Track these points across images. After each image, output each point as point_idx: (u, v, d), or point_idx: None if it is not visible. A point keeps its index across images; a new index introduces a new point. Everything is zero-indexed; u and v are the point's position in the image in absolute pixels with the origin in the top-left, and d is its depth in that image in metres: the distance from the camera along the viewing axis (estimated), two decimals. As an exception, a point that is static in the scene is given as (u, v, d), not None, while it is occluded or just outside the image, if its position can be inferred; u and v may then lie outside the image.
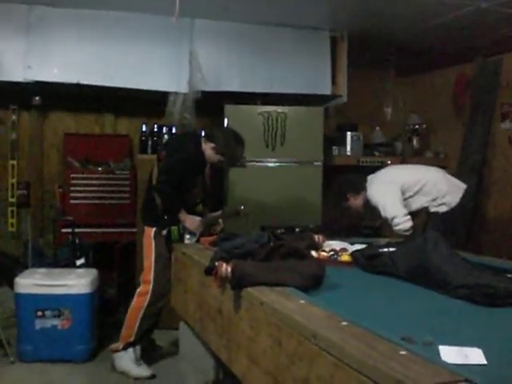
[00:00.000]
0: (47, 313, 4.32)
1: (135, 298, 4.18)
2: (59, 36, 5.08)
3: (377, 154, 6.32)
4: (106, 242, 5.48)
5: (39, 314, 4.31)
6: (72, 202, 5.48)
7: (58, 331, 4.34)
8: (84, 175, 5.56)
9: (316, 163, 5.57)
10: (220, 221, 4.42)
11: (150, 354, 4.42)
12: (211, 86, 5.39)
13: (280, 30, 5.57)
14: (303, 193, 5.53)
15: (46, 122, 5.99)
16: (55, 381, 4.11)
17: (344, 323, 1.91)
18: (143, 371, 4.15)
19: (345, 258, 3.32)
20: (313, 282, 2.52)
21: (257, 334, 2.28)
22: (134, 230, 5.12)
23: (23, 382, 4.10)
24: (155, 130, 5.58)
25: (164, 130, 5.54)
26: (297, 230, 4.51)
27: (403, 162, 6.05)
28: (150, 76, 5.26)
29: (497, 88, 5.82)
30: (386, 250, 3.08)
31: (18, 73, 5.00)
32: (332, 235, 3.97)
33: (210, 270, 2.74)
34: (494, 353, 1.66)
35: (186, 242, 4.16)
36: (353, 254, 3.30)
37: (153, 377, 4.13)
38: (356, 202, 4.63)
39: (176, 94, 5.31)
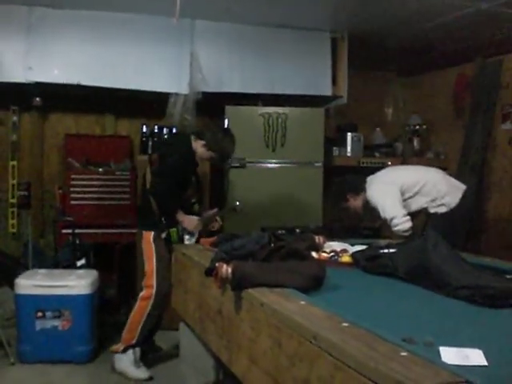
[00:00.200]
0: (47, 314, 4.32)
1: (138, 303, 4.17)
2: (60, 37, 5.08)
3: (377, 154, 6.33)
4: (107, 243, 5.48)
5: (39, 314, 4.31)
6: (72, 202, 5.48)
7: (59, 332, 4.34)
8: (84, 176, 5.55)
9: (316, 164, 5.58)
10: (218, 218, 4.43)
11: (149, 355, 4.42)
12: (212, 87, 5.39)
13: (281, 30, 5.57)
14: (304, 194, 5.54)
15: (46, 122, 5.99)
16: (55, 382, 4.11)
17: (344, 324, 1.91)
18: (141, 373, 4.14)
19: (345, 258, 3.33)
20: (313, 282, 2.52)
21: (257, 334, 2.28)
22: (134, 230, 5.09)
23: (23, 383, 4.09)
24: (156, 130, 5.58)
25: (164, 130, 5.54)
26: (297, 230, 4.52)
27: (404, 162, 6.06)
28: (151, 77, 5.26)
29: (497, 89, 5.82)
30: (386, 250, 3.08)
31: (19, 74, 5.00)
32: (332, 236, 3.97)
33: (211, 271, 2.74)
34: (495, 354, 1.66)
35: (186, 242, 4.16)
36: (353, 254, 3.30)
37: (150, 379, 4.12)
38: (355, 202, 4.64)
39: (177, 94, 5.31)
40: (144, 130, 5.62)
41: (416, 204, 4.52)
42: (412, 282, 2.78)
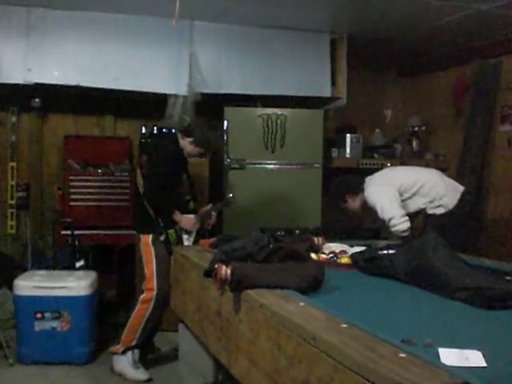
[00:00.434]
0: (46, 315, 4.32)
1: (138, 305, 4.16)
2: (59, 38, 5.08)
3: (376, 156, 6.32)
4: (106, 244, 5.48)
5: (38, 316, 4.31)
6: (72, 204, 5.47)
7: (58, 333, 4.34)
8: (84, 177, 5.54)
9: (316, 165, 5.58)
10: (213, 213, 4.42)
11: (148, 356, 4.42)
12: (211, 88, 5.38)
13: (280, 32, 5.57)
14: (303, 195, 5.54)
15: (45, 124, 5.98)
16: (54, 383, 4.11)
17: (343, 325, 1.91)
18: (140, 374, 4.14)
19: (344, 260, 3.32)
20: (312, 284, 2.52)
21: (256, 336, 2.28)
22: (133, 232, 5.11)
23: (22, 384, 4.10)
24: (155, 132, 5.57)
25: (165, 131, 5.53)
26: (296, 232, 4.51)
27: (403, 164, 6.05)
28: (150, 78, 5.27)
29: (496, 90, 5.82)
30: (385, 252, 3.08)
31: (18, 75, 5.00)
32: (331, 237, 3.97)
33: (210, 272, 2.74)
34: (494, 355, 1.66)
35: (185, 242, 4.17)
36: (352, 256, 3.29)
37: (149, 380, 4.13)
38: (354, 203, 4.64)
39: (176, 96, 5.31)
40: (143, 131, 5.62)
41: (414, 205, 4.52)
42: (411, 284, 2.78)
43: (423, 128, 6.56)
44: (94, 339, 4.55)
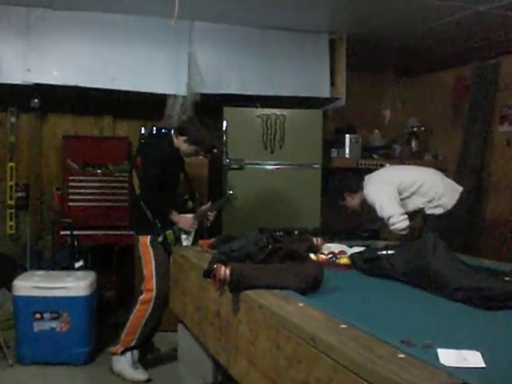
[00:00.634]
0: (46, 315, 4.32)
1: (138, 306, 4.15)
2: (58, 38, 5.08)
3: (375, 156, 6.33)
4: (105, 245, 5.48)
5: (38, 316, 4.31)
6: (71, 204, 5.47)
7: (57, 334, 4.34)
8: (83, 177, 5.55)
9: (315, 166, 5.58)
10: (210, 213, 4.41)
11: (148, 356, 4.42)
12: (210, 89, 5.39)
13: (279, 32, 5.57)
14: (302, 195, 5.54)
15: (44, 124, 5.98)
16: (54, 383, 4.11)
17: (343, 326, 1.91)
18: (139, 375, 4.13)
19: (343, 260, 3.32)
20: (311, 284, 2.52)
21: (255, 336, 2.28)
22: (132, 232, 5.11)
23: (21, 385, 4.10)
24: (154, 132, 5.57)
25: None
26: (295, 232, 4.51)
27: (402, 164, 6.05)
28: (149, 78, 5.27)
29: (495, 90, 5.83)
30: (384, 252, 3.08)
31: (17, 75, 5.00)
32: (331, 238, 3.97)
33: (209, 273, 2.73)
34: (493, 356, 1.66)
35: (184, 242, 4.16)
36: (351, 256, 3.29)
37: (149, 381, 4.12)
38: (353, 201, 4.65)
39: (175, 96, 5.31)
40: (142, 131, 5.62)
41: (413, 204, 4.53)
42: (410, 284, 2.78)
43: (422, 128, 6.57)
44: (93, 340, 4.54)
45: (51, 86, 5.10)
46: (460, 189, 4.61)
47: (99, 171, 5.63)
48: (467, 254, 3.59)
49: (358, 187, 4.61)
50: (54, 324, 4.33)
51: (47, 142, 6.00)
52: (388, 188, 4.45)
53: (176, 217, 4.12)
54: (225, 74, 5.47)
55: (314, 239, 3.61)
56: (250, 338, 2.34)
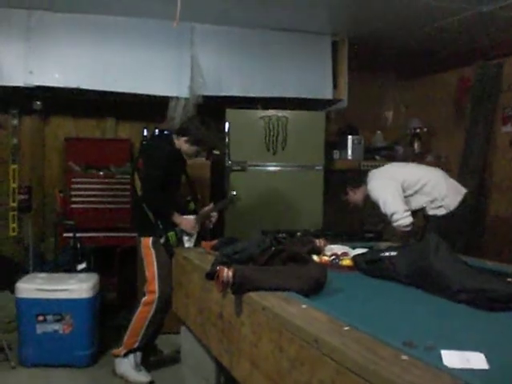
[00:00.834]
0: (48, 317, 4.32)
1: (141, 308, 4.15)
2: (59, 41, 5.09)
3: (378, 157, 6.33)
4: (107, 247, 5.48)
5: (40, 318, 4.31)
6: (73, 206, 5.47)
7: (59, 336, 4.34)
8: (85, 179, 5.54)
9: (317, 167, 5.58)
10: (213, 214, 4.41)
11: (151, 358, 4.42)
12: (212, 91, 5.40)
13: (281, 34, 5.58)
14: (304, 197, 5.53)
15: (46, 126, 5.99)
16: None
17: (346, 328, 1.90)
18: (141, 377, 4.13)
19: (346, 262, 3.32)
20: (314, 286, 2.52)
21: (258, 338, 2.28)
22: (134, 234, 5.11)
23: (24, 387, 4.10)
24: (156, 134, 5.58)
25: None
26: (298, 234, 4.51)
27: (405, 165, 6.05)
28: (151, 81, 5.27)
29: (498, 91, 5.82)
30: (387, 254, 3.07)
31: (19, 77, 5.01)
32: (333, 239, 3.97)
33: (211, 275, 2.73)
34: (496, 357, 1.65)
35: (186, 244, 4.15)
36: (354, 258, 3.29)
37: (151, 383, 4.12)
38: (355, 195, 4.64)
39: (177, 98, 5.32)
40: (145, 133, 5.62)
41: (415, 203, 4.51)
42: (413, 286, 2.78)
43: (424, 129, 6.56)
44: (96, 342, 4.54)
45: (53, 88, 5.11)
46: (464, 191, 4.60)
47: (101, 173, 5.62)
48: (469, 255, 3.58)
49: (361, 181, 4.59)
50: (56, 326, 4.33)
51: (49, 144, 6.01)
52: (392, 184, 4.43)
53: (178, 218, 4.12)
54: (227, 75, 5.47)
55: (317, 241, 3.61)
56: (252, 339, 2.34)
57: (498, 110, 5.83)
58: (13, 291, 4.52)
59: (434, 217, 4.52)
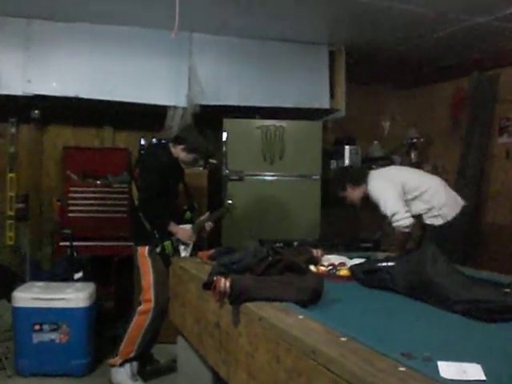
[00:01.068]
0: (45, 327, 4.31)
1: (136, 317, 4.15)
2: (58, 50, 5.10)
3: (375, 167, 6.32)
4: (104, 256, 5.47)
5: (37, 327, 4.30)
6: (70, 215, 5.46)
7: (56, 345, 4.33)
8: (82, 188, 5.54)
9: (314, 177, 5.59)
10: (209, 223, 4.41)
11: (147, 368, 4.41)
12: (210, 100, 5.40)
13: (279, 44, 5.60)
14: (302, 207, 5.54)
15: (44, 135, 6.00)
16: (52, 395, 4.11)
17: (343, 339, 1.90)
18: None
19: (343, 272, 3.31)
20: (311, 296, 2.51)
21: (255, 349, 2.27)
22: (131, 243, 5.10)
23: (20, 397, 4.09)
24: (154, 143, 5.58)
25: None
26: (295, 244, 4.51)
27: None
28: (149, 90, 5.28)
29: (494, 102, 5.85)
30: (384, 264, 3.07)
31: (17, 86, 5.01)
32: (330, 249, 3.97)
33: (209, 285, 2.73)
34: (493, 368, 1.65)
35: (182, 253, 4.15)
36: (351, 268, 3.29)
37: None
38: (354, 193, 4.57)
39: (175, 107, 5.32)
40: (142, 142, 5.63)
41: (413, 209, 4.49)
42: (410, 296, 2.77)
43: (421, 139, 6.58)
44: (92, 351, 4.53)
45: (51, 97, 5.12)
46: (462, 203, 4.58)
47: (99, 182, 5.62)
48: (466, 266, 3.58)
49: (362, 180, 4.58)
50: (53, 335, 4.32)
51: (47, 153, 6.01)
52: (393, 185, 4.41)
53: (174, 228, 4.12)
54: (225, 85, 5.48)
55: (314, 251, 3.60)
56: (249, 350, 2.33)
57: (495, 121, 5.86)
58: (9, 300, 4.51)
59: (431, 226, 4.52)
